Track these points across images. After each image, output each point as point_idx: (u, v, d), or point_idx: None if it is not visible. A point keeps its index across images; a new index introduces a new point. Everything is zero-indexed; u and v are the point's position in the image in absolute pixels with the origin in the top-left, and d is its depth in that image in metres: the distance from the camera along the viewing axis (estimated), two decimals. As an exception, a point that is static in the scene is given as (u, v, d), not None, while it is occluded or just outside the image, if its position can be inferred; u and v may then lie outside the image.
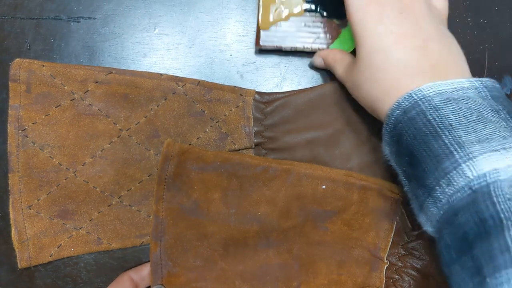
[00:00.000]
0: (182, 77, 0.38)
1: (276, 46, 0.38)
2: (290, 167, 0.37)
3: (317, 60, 0.38)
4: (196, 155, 0.36)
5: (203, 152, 0.37)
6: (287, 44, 0.38)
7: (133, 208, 0.38)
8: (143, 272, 0.37)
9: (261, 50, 0.40)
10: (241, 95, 0.38)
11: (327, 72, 0.40)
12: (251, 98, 0.38)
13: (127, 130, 0.38)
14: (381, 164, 0.37)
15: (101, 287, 0.39)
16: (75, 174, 0.37)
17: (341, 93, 0.38)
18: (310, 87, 0.39)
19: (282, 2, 0.38)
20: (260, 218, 0.37)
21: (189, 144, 0.38)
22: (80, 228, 0.38)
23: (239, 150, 0.39)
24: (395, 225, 0.37)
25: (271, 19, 0.38)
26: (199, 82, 0.38)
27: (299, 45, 0.38)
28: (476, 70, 0.40)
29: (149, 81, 0.38)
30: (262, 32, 0.38)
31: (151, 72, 0.38)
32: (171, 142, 0.36)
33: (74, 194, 0.38)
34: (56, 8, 0.39)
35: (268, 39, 0.38)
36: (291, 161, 0.37)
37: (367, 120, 0.38)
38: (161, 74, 0.38)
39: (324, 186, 0.37)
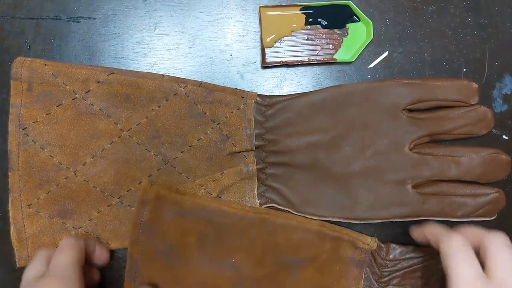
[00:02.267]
0: (183, 78, 0.38)
1: (282, 62, 0.39)
2: (266, 216, 0.37)
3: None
4: (173, 200, 0.36)
5: (180, 197, 0.37)
6: (292, 59, 0.39)
7: (132, 208, 0.38)
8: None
9: (267, 67, 0.40)
10: (243, 97, 0.38)
11: (327, 72, 0.40)
12: (253, 100, 0.38)
13: (128, 131, 0.38)
14: (384, 170, 0.38)
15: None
16: (75, 174, 0.37)
17: (343, 97, 0.38)
18: (312, 91, 0.39)
19: (282, 17, 0.39)
20: (235, 264, 0.37)
21: (169, 185, 0.38)
22: (79, 228, 0.38)
23: (239, 152, 0.38)
24: (364, 272, 0.38)
25: (274, 36, 0.39)
26: (200, 84, 0.38)
27: (304, 58, 0.39)
28: (477, 70, 0.40)
29: (151, 81, 0.38)
30: (266, 50, 0.39)
31: (152, 73, 0.38)
32: (148, 186, 0.36)
33: (74, 194, 0.38)
34: (56, 8, 0.39)
35: (273, 56, 0.39)
36: (267, 209, 0.38)
37: (369, 125, 0.38)
38: (162, 75, 0.38)
39: (298, 236, 0.38)
